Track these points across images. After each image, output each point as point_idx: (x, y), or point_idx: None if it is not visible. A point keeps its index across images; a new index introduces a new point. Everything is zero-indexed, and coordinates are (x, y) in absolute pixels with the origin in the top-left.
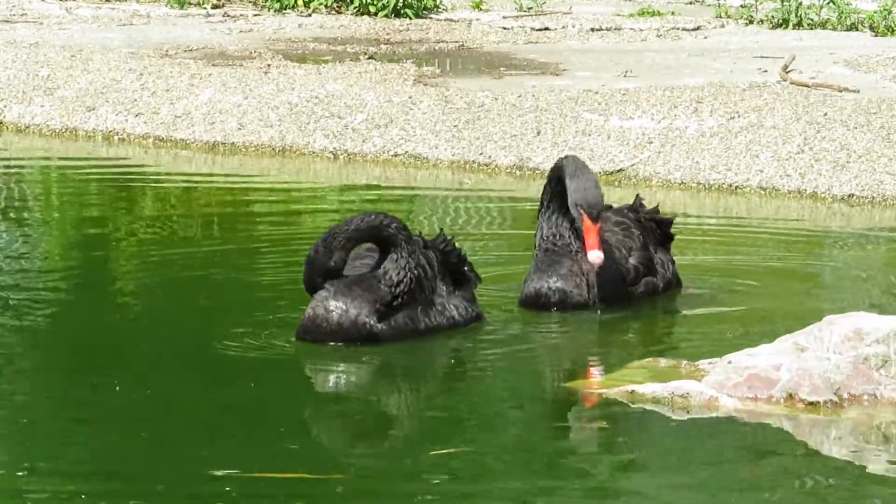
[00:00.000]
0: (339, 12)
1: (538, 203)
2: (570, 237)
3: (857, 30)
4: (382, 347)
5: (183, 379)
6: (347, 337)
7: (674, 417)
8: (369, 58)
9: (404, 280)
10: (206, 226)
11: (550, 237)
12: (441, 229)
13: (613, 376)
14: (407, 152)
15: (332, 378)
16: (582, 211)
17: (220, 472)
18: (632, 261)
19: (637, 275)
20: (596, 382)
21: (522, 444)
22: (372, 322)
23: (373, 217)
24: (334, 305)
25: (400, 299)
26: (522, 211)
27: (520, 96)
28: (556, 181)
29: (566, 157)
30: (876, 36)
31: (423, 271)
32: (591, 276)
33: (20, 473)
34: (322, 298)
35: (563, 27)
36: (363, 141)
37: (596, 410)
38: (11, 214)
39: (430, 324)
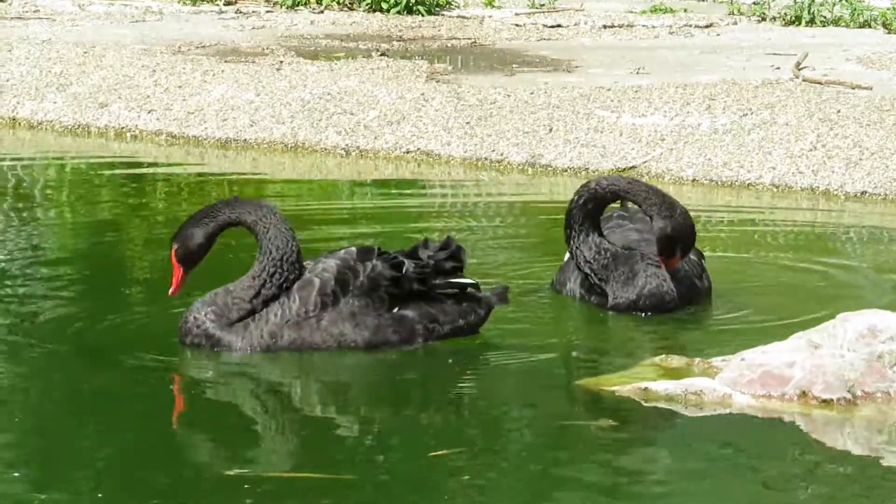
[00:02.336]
0: (351, 9)
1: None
2: (611, 244)
3: (869, 27)
4: (381, 350)
5: (181, 382)
6: (203, 345)
7: (687, 415)
8: (381, 54)
9: (265, 269)
10: None
11: (598, 257)
12: (448, 237)
13: (626, 374)
14: (419, 149)
15: (331, 380)
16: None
17: (231, 472)
18: (693, 257)
19: (701, 270)
20: (609, 380)
21: (534, 441)
22: (212, 329)
23: (232, 205)
24: (195, 311)
25: (274, 283)
26: (534, 208)
27: (532, 93)
28: (594, 204)
29: (619, 180)
30: (889, 33)
31: (320, 284)
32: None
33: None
34: (192, 305)
35: (576, 24)
36: (375, 138)
37: (608, 408)
38: (23, 210)
39: (301, 340)
